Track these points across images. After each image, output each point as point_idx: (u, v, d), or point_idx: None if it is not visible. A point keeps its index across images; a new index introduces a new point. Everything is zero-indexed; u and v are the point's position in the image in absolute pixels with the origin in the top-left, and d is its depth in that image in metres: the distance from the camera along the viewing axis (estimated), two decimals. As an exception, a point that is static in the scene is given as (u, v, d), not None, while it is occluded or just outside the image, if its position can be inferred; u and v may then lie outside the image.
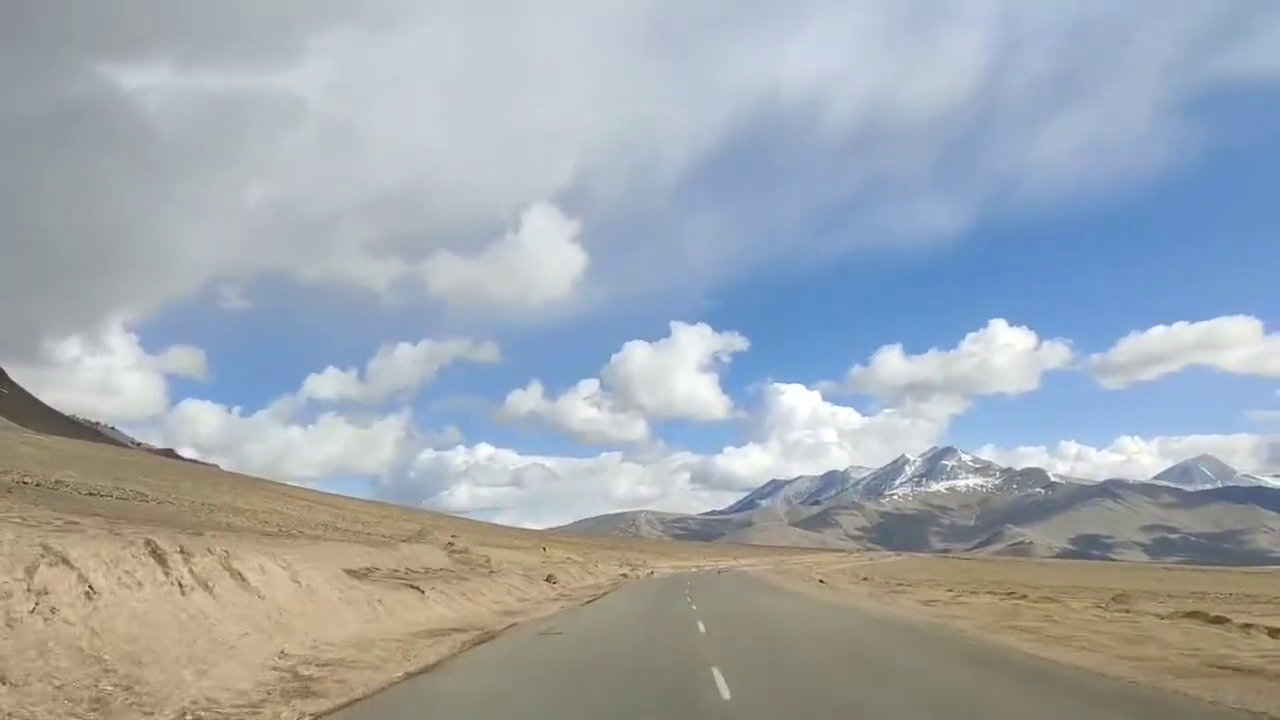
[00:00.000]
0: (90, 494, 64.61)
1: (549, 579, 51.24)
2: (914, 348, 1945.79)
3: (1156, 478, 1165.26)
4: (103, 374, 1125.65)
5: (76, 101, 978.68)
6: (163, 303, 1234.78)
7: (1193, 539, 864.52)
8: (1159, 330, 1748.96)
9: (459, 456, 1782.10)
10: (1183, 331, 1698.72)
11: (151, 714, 10.95)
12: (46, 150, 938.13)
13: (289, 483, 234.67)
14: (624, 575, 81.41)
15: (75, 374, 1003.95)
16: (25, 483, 56.19)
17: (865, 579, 79.83)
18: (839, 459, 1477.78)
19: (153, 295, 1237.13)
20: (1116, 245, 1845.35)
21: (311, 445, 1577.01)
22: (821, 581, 68.05)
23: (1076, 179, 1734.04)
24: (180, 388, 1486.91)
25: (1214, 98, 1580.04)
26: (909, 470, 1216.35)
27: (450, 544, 59.00)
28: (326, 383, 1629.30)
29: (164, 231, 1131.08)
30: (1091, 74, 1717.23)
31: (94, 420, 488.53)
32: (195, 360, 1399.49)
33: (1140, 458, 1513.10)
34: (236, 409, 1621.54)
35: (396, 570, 36.25)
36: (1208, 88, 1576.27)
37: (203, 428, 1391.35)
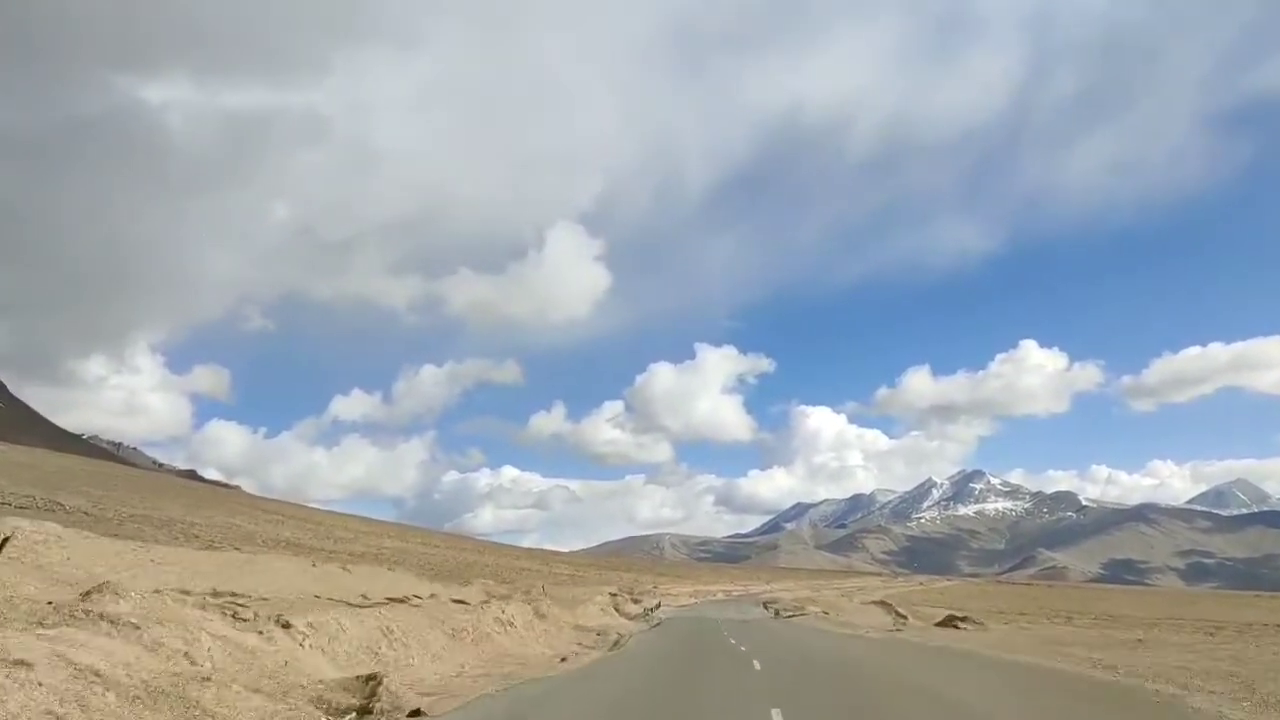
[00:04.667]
0: (-13, 504, 56.66)
1: None
2: (942, 369, 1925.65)
3: (1189, 502, 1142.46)
4: (128, 395, 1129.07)
5: (97, 116, 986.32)
6: (188, 323, 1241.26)
7: (1229, 564, 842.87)
8: (1193, 351, 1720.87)
9: (483, 479, 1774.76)
10: (1217, 353, 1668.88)
11: None
12: (68, 166, 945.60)
13: (306, 503, 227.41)
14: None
15: (99, 395, 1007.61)
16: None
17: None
18: (865, 482, 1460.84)
19: (178, 315, 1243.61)
20: (1149, 264, 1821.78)
21: (335, 467, 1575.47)
22: None
23: (1108, 197, 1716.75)
24: (206, 409, 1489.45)
25: (1248, 113, 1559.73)
26: (936, 493, 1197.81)
27: None
28: (351, 404, 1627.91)
29: (188, 250, 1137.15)
30: (1122, 90, 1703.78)
31: (116, 441, 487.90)
32: (220, 381, 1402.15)
33: (1173, 482, 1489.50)
34: (261, 430, 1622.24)
35: None
36: (1241, 103, 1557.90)
37: (227, 449, 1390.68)
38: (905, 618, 58.99)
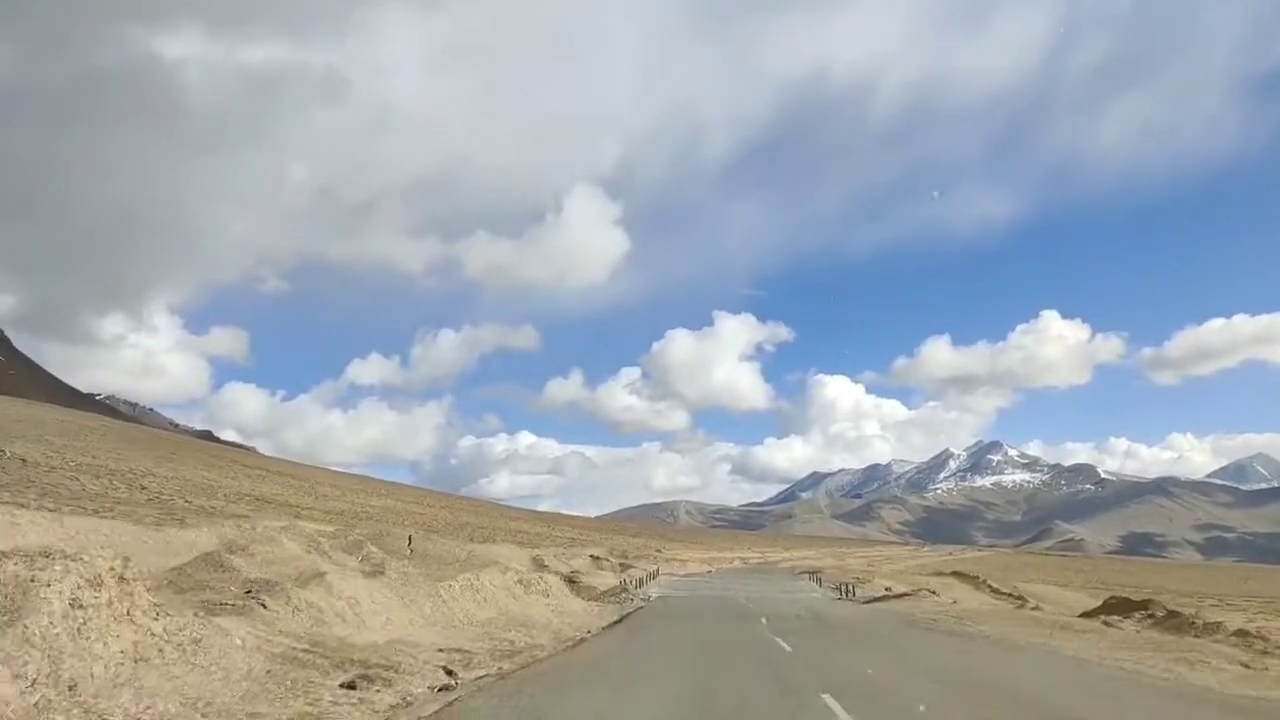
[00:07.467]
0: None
1: None
2: (962, 339, 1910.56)
3: (1209, 476, 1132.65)
4: (145, 355, 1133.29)
5: (111, 70, 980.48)
6: (206, 283, 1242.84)
7: (1249, 538, 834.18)
8: (1217, 323, 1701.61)
9: (500, 444, 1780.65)
10: (1242, 324, 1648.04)
11: None
12: (82, 121, 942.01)
13: (316, 465, 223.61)
14: None
15: (116, 355, 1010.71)
16: None
17: None
18: (881, 452, 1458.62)
19: (195, 276, 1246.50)
20: (1176, 234, 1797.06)
21: (352, 430, 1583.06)
22: None
23: (1136, 165, 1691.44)
24: (224, 371, 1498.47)
25: None
26: (953, 464, 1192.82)
27: None
28: (369, 368, 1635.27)
29: (206, 210, 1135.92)
30: (1155, 56, 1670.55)
31: (132, 401, 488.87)
32: (238, 343, 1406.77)
33: (1192, 455, 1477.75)
34: (280, 393, 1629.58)
35: None
36: (1277, 70, 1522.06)
37: (245, 411, 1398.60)
38: (1021, 601, 39.31)
